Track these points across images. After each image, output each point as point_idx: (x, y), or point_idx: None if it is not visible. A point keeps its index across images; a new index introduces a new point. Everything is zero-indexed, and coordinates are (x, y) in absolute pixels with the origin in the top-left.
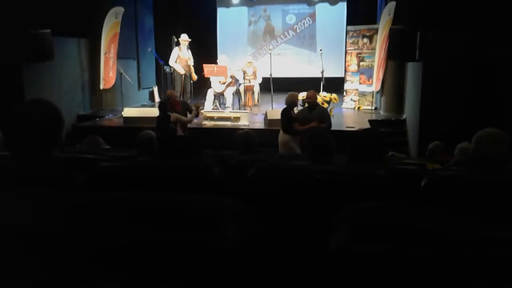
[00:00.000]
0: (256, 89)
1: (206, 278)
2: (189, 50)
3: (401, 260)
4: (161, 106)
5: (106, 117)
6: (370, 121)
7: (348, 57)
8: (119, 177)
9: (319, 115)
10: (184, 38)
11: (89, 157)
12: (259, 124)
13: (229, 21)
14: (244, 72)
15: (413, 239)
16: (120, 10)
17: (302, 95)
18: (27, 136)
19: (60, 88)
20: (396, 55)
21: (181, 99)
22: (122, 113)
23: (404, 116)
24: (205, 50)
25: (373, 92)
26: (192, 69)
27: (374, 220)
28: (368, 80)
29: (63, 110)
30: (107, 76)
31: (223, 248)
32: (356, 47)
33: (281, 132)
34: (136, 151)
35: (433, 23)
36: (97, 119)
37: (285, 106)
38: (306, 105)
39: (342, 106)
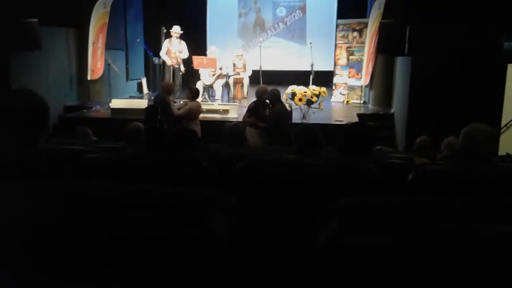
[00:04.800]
0: (246, 81)
1: (194, 271)
2: (182, 43)
3: (388, 253)
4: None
5: (94, 108)
6: (359, 115)
7: (338, 51)
8: (106, 169)
9: (270, 113)
10: (175, 31)
11: (76, 148)
12: None
13: (219, 13)
14: (234, 65)
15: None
16: None
17: (291, 89)
18: (11, 126)
19: (48, 78)
20: (386, 49)
21: None
22: (110, 104)
23: (392, 110)
24: (195, 42)
25: (362, 86)
26: (181, 61)
27: (360, 215)
28: (357, 74)
29: (50, 100)
30: (95, 66)
31: (211, 241)
32: (346, 40)
33: None
34: (124, 143)
35: (422, 17)
36: (85, 110)
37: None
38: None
39: (331, 99)
